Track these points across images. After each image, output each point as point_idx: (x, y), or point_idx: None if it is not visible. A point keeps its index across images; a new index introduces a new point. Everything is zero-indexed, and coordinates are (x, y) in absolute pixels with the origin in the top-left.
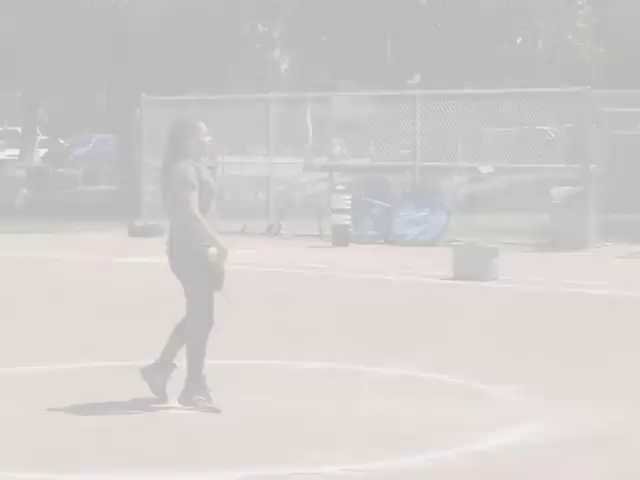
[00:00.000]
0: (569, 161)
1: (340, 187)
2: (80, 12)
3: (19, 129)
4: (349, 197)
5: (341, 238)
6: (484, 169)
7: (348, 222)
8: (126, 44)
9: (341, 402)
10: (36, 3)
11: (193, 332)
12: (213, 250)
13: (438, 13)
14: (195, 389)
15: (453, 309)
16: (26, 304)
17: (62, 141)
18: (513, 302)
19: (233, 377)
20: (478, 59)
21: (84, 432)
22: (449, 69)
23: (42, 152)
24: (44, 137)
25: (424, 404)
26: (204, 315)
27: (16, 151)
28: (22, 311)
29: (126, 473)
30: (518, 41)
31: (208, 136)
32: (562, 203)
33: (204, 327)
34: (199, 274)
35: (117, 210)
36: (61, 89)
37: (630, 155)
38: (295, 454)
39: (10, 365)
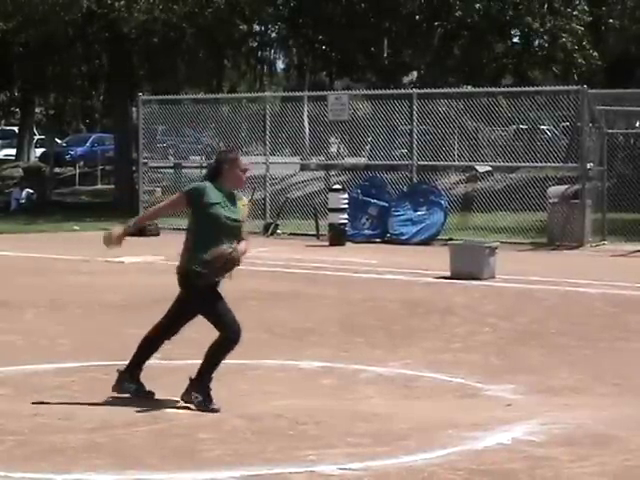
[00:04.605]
0: (566, 160)
1: (337, 186)
2: (77, 12)
3: (16, 129)
4: (346, 196)
5: (338, 237)
6: (481, 168)
7: (345, 221)
8: (122, 44)
9: (338, 401)
10: (33, 3)
11: (219, 346)
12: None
13: (434, 12)
14: (198, 388)
15: (450, 308)
16: (22, 303)
17: (59, 140)
18: (510, 301)
19: (230, 376)
20: (475, 58)
21: (80, 431)
22: (446, 68)
23: (39, 152)
24: (41, 137)
25: (421, 403)
26: (227, 330)
27: (13, 151)
28: (18, 310)
29: (123, 473)
30: (514, 40)
31: (246, 172)
32: (559, 202)
33: (229, 342)
34: (195, 292)
35: (114, 210)
36: (58, 88)
37: (627, 154)
38: (292, 453)
39: (7, 364)
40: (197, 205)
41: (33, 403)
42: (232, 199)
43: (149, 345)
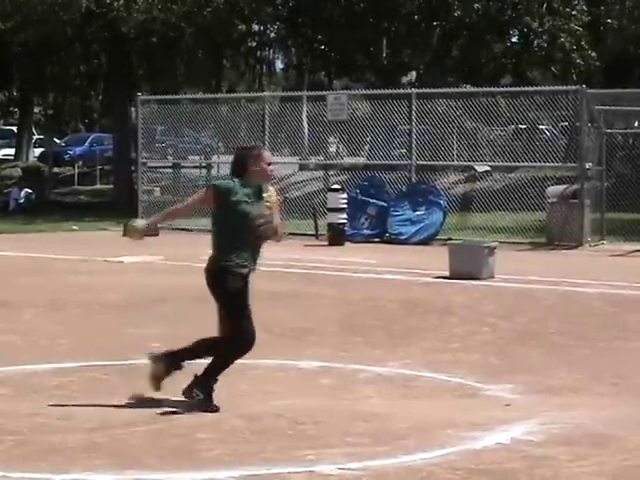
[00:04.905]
0: (565, 160)
1: (336, 186)
2: (76, 12)
3: (14, 128)
4: (345, 196)
5: (337, 237)
6: (480, 168)
7: (344, 221)
8: (121, 43)
9: (337, 401)
10: (32, 3)
11: (226, 350)
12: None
13: (433, 12)
14: (201, 387)
15: (449, 308)
16: (21, 303)
17: (58, 140)
18: (509, 300)
19: (230, 376)
20: (474, 58)
21: (79, 431)
22: (445, 68)
23: (37, 151)
24: (40, 136)
25: (420, 403)
26: (241, 336)
27: (11, 151)
28: (17, 310)
29: (122, 473)
30: (513, 40)
31: (271, 165)
32: (558, 202)
33: (239, 349)
34: (227, 290)
35: (113, 209)
36: (56, 88)
37: (625, 154)
38: (291, 453)
39: (6, 364)
40: (225, 202)
41: (32, 403)
42: (258, 194)
43: (209, 347)
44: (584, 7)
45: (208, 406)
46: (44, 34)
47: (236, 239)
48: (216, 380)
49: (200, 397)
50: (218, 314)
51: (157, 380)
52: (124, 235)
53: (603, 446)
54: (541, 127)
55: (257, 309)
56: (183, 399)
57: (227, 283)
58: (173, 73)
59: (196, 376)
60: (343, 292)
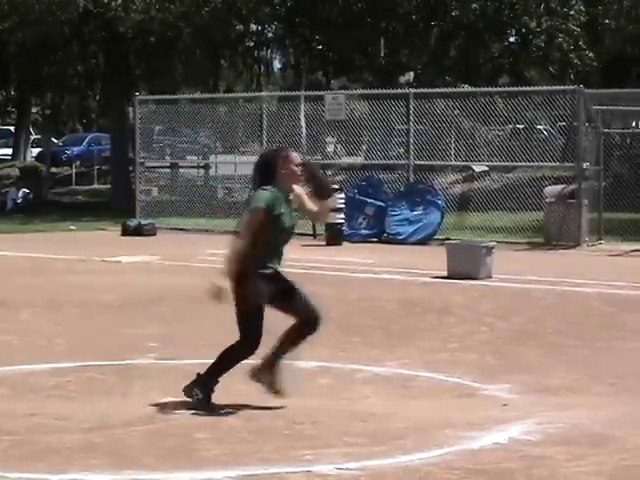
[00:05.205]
0: (562, 160)
1: (333, 186)
2: (74, 11)
3: (12, 128)
4: (342, 196)
5: (334, 237)
6: (477, 168)
7: (342, 221)
8: (119, 43)
9: (335, 401)
10: (29, 3)
11: (233, 351)
12: (217, 283)
13: (431, 12)
14: (202, 386)
15: (447, 307)
16: (18, 303)
17: (55, 140)
18: (507, 300)
19: (227, 376)
20: (471, 58)
21: (77, 431)
22: (442, 68)
23: (35, 151)
24: (37, 136)
25: (418, 402)
26: (249, 341)
27: (9, 150)
28: (14, 310)
29: (119, 473)
30: (511, 39)
31: (299, 166)
32: (556, 201)
33: (244, 351)
34: (246, 297)
35: (110, 209)
36: (54, 88)
37: (623, 154)
38: (289, 453)
39: (3, 364)
40: (270, 219)
41: (29, 403)
42: (289, 200)
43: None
44: (582, 7)
45: (206, 406)
46: (41, 34)
47: (270, 249)
48: (217, 381)
49: (199, 397)
50: (283, 310)
51: (274, 388)
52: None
53: (601, 446)
54: (539, 127)
55: None
56: (182, 399)
57: (253, 286)
58: (171, 73)
59: (198, 374)
60: (341, 292)
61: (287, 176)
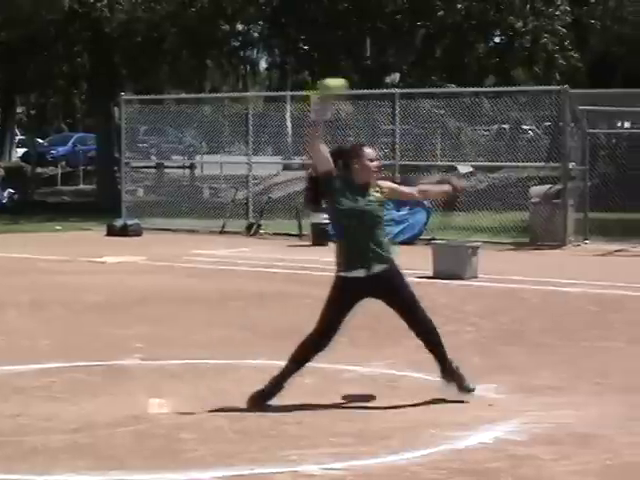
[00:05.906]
0: (548, 160)
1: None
2: (59, 11)
3: None
4: None
5: (320, 237)
6: (463, 169)
7: (327, 221)
8: (104, 43)
9: (321, 401)
10: (15, 3)
11: (304, 344)
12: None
13: (418, 11)
14: (264, 394)
15: (433, 308)
16: (3, 303)
17: (41, 140)
18: (492, 300)
19: (213, 376)
20: (457, 58)
21: (62, 432)
22: (428, 68)
23: (20, 151)
24: (22, 136)
25: (404, 403)
26: (321, 336)
27: None
28: (0, 310)
29: (105, 474)
30: (497, 40)
31: (375, 161)
32: (541, 202)
33: (314, 347)
34: (331, 296)
35: (96, 209)
36: (39, 88)
37: (608, 154)
38: (275, 453)
39: None
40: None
41: (15, 404)
42: (365, 193)
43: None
44: (567, 7)
45: (262, 403)
46: (27, 34)
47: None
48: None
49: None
50: (399, 312)
51: (465, 389)
52: (318, 98)
53: (587, 445)
54: (524, 127)
55: (241, 309)
56: (167, 399)
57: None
58: (156, 73)
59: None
60: (327, 292)
61: (360, 170)
